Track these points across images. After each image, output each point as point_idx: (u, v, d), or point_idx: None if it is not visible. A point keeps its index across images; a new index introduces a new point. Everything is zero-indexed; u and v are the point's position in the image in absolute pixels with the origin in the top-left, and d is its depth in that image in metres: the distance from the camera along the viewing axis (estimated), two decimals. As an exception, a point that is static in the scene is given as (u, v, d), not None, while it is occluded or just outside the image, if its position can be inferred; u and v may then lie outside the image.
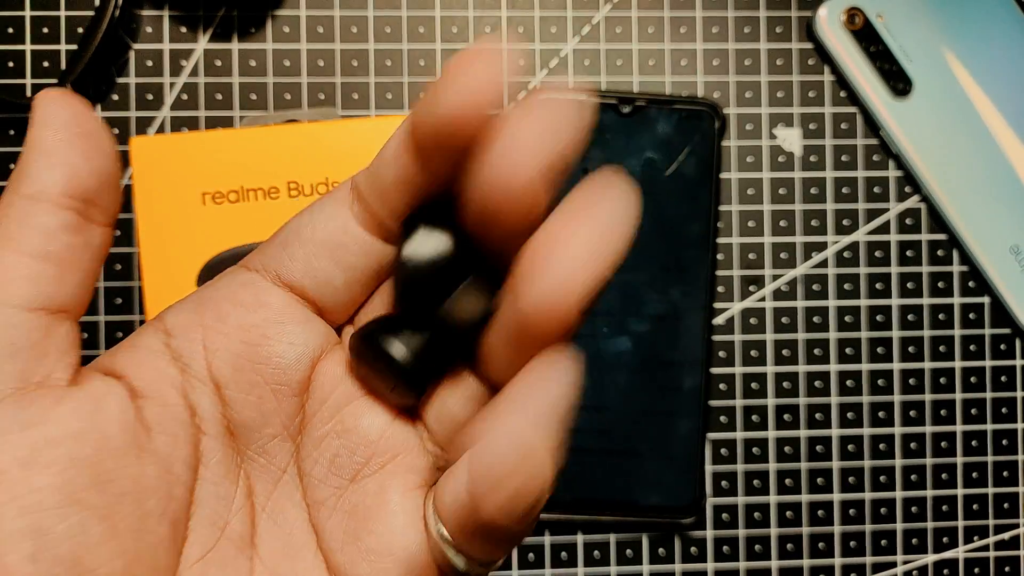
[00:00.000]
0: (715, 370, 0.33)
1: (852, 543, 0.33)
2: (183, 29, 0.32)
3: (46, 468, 0.13)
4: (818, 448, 0.33)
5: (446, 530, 0.15)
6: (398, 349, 0.15)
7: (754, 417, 0.33)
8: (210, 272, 0.30)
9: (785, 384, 0.33)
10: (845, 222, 0.34)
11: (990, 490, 0.34)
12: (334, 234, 0.16)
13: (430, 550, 0.16)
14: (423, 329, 0.15)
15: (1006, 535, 0.34)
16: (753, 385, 0.33)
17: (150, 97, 0.32)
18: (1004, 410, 0.34)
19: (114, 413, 0.15)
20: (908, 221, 0.34)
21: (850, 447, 0.33)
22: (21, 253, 0.15)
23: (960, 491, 0.34)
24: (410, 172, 0.15)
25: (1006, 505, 0.34)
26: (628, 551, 0.33)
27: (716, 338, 0.33)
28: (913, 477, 0.33)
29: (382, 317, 0.16)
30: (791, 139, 0.34)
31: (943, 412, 0.34)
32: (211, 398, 0.16)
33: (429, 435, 0.17)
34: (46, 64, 0.32)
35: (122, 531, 0.14)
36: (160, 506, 0.14)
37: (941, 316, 0.34)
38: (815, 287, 0.34)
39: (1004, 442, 0.34)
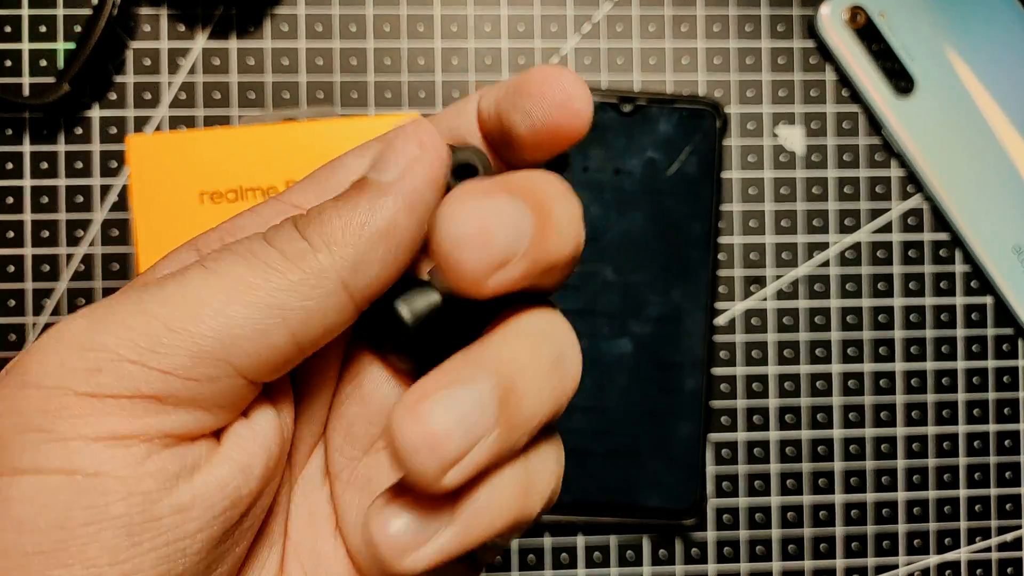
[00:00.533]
0: (716, 371, 0.33)
1: (854, 544, 0.33)
2: (181, 27, 0.32)
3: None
4: (820, 449, 0.33)
5: None
6: (402, 308, 0.15)
7: (756, 418, 0.33)
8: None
9: (787, 385, 0.33)
10: (847, 222, 0.34)
11: (992, 491, 0.33)
12: None
13: None
14: (432, 295, 0.15)
15: (1008, 536, 0.33)
16: (755, 386, 0.33)
17: (148, 96, 0.32)
18: (1007, 411, 0.34)
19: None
20: (911, 221, 0.34)
21: (852, 448, 0.33)
22: None
23: (962, 492, 0.33)
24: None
25: (1009, 506, 0.34)
26: (629, 553, 0.33)
27: (717, 338, 0.33)
28: (915, 478, 0.33)
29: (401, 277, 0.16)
30: (793, 138, 0.33)
31: (945, 413, 0.34)
32: None
33: None
34: (44, 63, 0.32)
35: None
36: None
37: (944, 316, 0.34)
38: (817, 287, 0.33)
39: (1007, 443, 0.34)
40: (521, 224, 0.13)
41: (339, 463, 0.16)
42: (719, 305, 0.33)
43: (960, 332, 0.34)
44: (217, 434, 0.14)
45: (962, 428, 0.34)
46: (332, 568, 0.16)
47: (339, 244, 0.14)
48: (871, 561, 0.33)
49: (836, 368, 0.33)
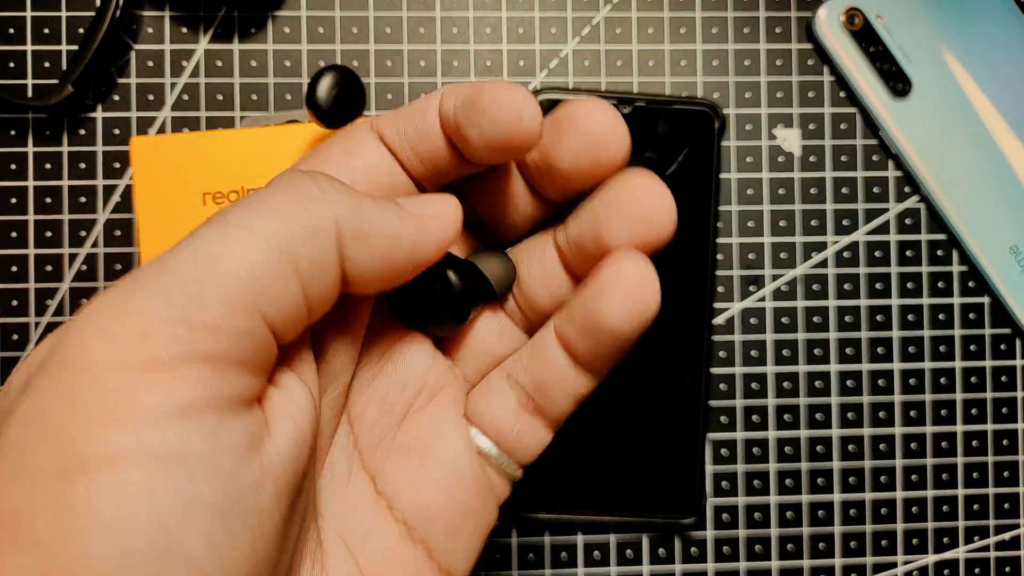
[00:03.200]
0: (715, 370, 0.33)
1: (852, 543, 0.33)
2: (184, 30, 0.32)
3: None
4: (818, 448, 0.33)
5: (491, 441, 0.18)
6: (453, 277, 0.17)
7: (754, 417, 0.33)
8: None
9: (785, 384, 0.33)
10: (845, 222, 0.34)
11: (991, 490, 0.34)
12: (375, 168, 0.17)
13: (483, 468, 0.18)
14: (461, 270, 0.18)
15: (1007, 535, 0.34)
16: (753, 385, 0.33)
17: (151, 97, 0.32)
18: (1004, 410, 0.34)
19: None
20: (908, 221, 0.34)
21: (850, 447, 0.33)
22: None
23: (960, 491, 0.34)
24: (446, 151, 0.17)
25: (1007, 505, 0.34)
26: (628, 551, 0.33)
27: (716, 338, 0.33)
28: (914, 477, 0.33)
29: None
30: (790, 139, 0.34)
31: (943, 412, 0.34)
32: None
33: (460, 371, 0.19)
34: (47, 65, 0.32)
35: None
36: None
37: (941, 316, 0.34)
38: (815, 287, 0.34)
39: (1005, 442, 0.34)
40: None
41: (375, 435, 0.17)
42: (717, 305, 0.33)
43: (957, 332, 0.34)
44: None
45: (960, 428, 0.34)
46: (383, 537, 0.16)
47: (342, 204, 0.15)
48: (869, 560, 0.33)
49: (834, 368, 0.34)
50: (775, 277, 0.34)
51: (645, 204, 0.16)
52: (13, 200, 0.32)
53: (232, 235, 0.13)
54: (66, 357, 0.12)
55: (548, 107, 0.32)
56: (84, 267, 0.32)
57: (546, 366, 0.17)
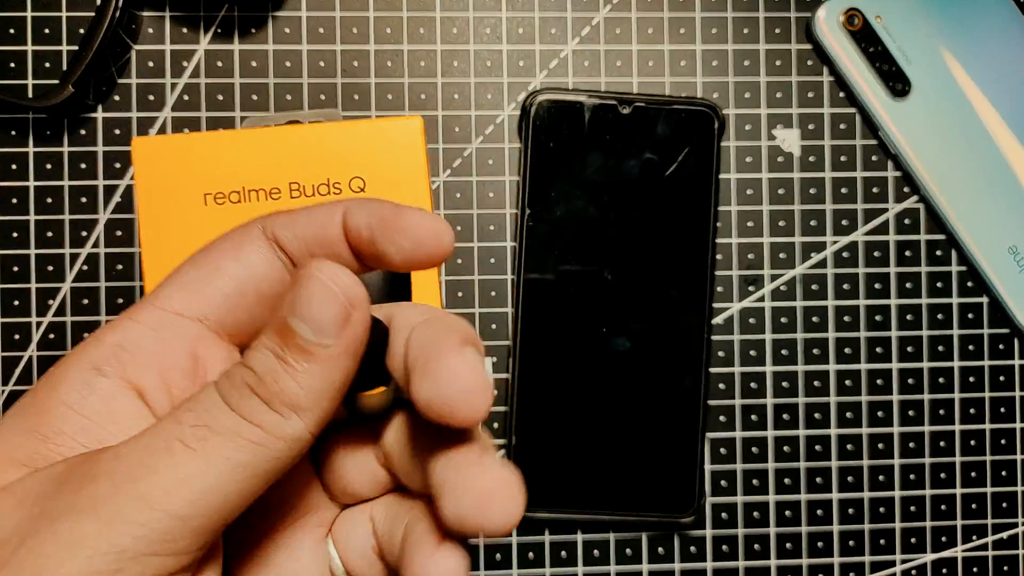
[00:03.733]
0: (714, 370, 0.33)
1: (851, 542, 0.33)
2: (184, 30, 0.32)
3: None
4: (817, 447, 0.33)
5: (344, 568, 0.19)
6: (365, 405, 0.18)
7: (753, 416, 0.33)
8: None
9: (784, 384, 0.33)
10: (844, 222, 0.34)
11: (988, 489, 0.34)
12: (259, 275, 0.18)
13: None
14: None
15: (1004, 534, 0.34)
16: (752, 385, 0.33)
17: (151, 98, 0.32)
18: (1002, 410, 0.34)
19: None
20: (906, 221, 0.34)
21: (849, 446, 0.33)
22: None
23: (958, 490, 0.34)
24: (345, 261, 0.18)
25: (1004, 504, 0.34)
26: (627, 550, 0.33)
27: (715, 338, 0.33)
28: (912, 476, 0.34)
29: None
30: (790, 140, 0.34)
31: (941, 412, 0.34)
32: None
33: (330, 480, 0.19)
34: (47, 65, 0.32)
35: None
36: None
37: (939, 316, 0.34)
38: (814, 287, 0.34)
39: (1002, 441, 0.34)
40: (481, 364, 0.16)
41: (232, 554, 0.18)
42: (717, 305, 0.33)
43: (956, 332, 0.34)
44: None
45: (958, 427, 0.34)
46: None
47: (305, 409, 0.16)
48: (867, 559, 0.33)
49: (832, 367, 0.34)
50: (774, 277, 0.34)
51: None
52: (14, 200, 0.32)
53: (211, 468, 0.15)
54: (43, 568, 0.14)
55: (549, 107, 0.33)
56: (85, 267, 0.32)
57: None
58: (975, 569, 0.33)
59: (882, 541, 0.33)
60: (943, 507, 0.34)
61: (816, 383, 0.34)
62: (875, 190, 0.34)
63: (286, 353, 0.16)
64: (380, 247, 0.17)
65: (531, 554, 0.33)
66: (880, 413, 0.34)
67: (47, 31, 0.32)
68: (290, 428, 0.15)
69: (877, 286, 0.34)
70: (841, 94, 0.34)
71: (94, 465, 0.15)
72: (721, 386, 0.33)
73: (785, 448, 0.33)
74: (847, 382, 0.34)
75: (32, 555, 0.14)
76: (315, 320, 0.15)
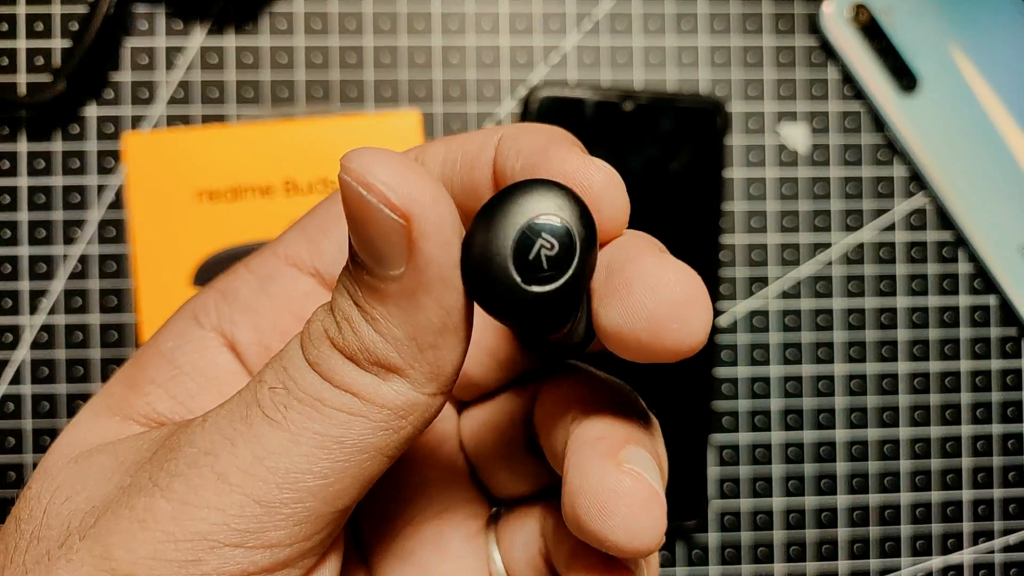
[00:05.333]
0: (719, 372, 0.33)
1: (857, 547, 0.33)
2: (178, 25, 0.32)
3: None
4: (823, 451, 0.33)
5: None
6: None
7: (758, 419, 0.33)
8: (205, 272, 0.29)
9: (789, 386, 0.33)
10: (850, 221, 0.33)
11: (996, 492, 0.33)
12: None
13: None
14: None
15: (1012, 538, 0.33)
16: (757, 387, 0.33)
17: (144, 94, 0.32)
18: (1011, 412, 0.33)
19: None
20: (914, 220, 0.34)
21: (855, 450, 0.33)
22: None
23: (966, 493, 0.33)
24: None
25: (1012, 507, 0.33)
26: (630, 554, 0.32)
27: (720, 339, 0.33)
28: (919, 479, 0.33)
29: None
30: (796, 136, 0.33)
31: (949, 414, 0.33)
32: None
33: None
34: (40, 61, 0.32)
35: None
36: None
37: (947, 317, 0.33)
38: (820, 287, 0.33)
39: (1011, 444, 0.33)
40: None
41: (375, 541, 0.16)
42: (721, 305, 0.33)
43: (964, 333, 0.33)
44: None
45: (965, 429, 0.33)
46: None
47: (401, 368, 0.12)
48: (874, 563, 0.33)
49: (839, 369, 0.33)
50: (780, 277, 0.33)
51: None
52: (6, 199, 0.32)
53: (298, 447, 0.12)
54: (110, 556, 0.12)
55: (549, 105, 0.32)
56: (78, 267, 0.32)
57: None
58: (982, 572, 0.33)
59: (889, 545, 0.33)
60: (950, 511, 0.33)
61: (822, 385, 0.33)
62: (882, 188, 0.33)
63: (359, 293, 0.12)
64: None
65: (531, 558, 0.32)
66: (887, 415, 0.33)
67: (39, 26, 0.32)
68: (391, 391, 0.12)
69: (884, 286, 0.33)
70: (848, 90, 0.33)
71: (182, 435, 0.12)
72: (726, 388, 0.33)
73: (791, 451, 0.33)
74: (853, 384, 0.33)
75: (106, 531, 0.12)
76: (366, 245, 0.11)
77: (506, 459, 0.16)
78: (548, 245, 0.11)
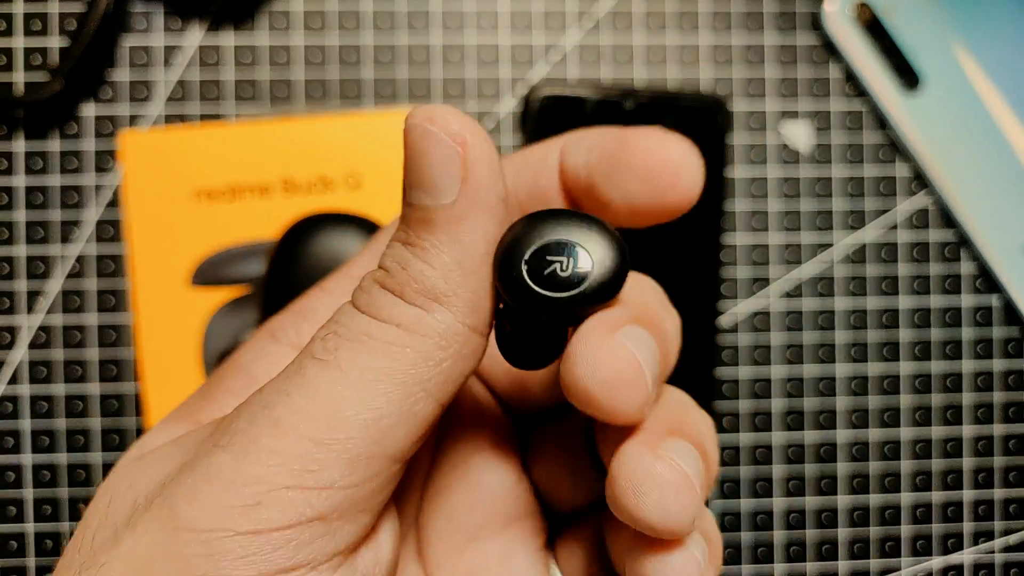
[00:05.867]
0: (720, 372, 0.33)
1: (857, 547, 0.33)
2: (176, 23, 0.32)
3: None
4: (823, 452, 0.33)
5: None
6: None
7: (759, 420, 0.33)
8: (203, 272, 0.29)
9: (791, 387, 0.33)
10: (852, 221, 0.33)
11: (997, 493, 0.33)
12: None
13: None
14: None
15: (1012, 538, 0.33)
16: (758, 388, 0.33)
17: (142, 93, 0.32)
18: (1012, 412, 0.33)
19: None
20: (916, 220, 0.33)
21: (856, 450, 0.33)
22: None
23: (966, 494, 0.33)
24: None
25: (1013, 508, 0.33)
26: (630, 555, 0.32)
27: (721, 340, 0.33)
28: (919, 480, 0.33)
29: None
30: (797, 135, 0.33)
31: (950, 415, 0.33)
32: None
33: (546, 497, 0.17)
34: (37, 59, 0.32)
35: None
36: None
37: (949, 317, 0.33)
38: (821, 287, 0.33)
39: (1012, 444, 0.33)
40: (653, 354, 0.13)
41: (440, 551, 0.16)
42: (722, 305, 0.33)
43: (966, 333, 0.33)
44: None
45: (967, 430, 0.33)
46: None
47: (446, 294, 0.13)
48: (874, 563, 0.33)
49: (840, 369, 0.33)
50: (781, 277, 0.33)
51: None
52: (3, 198, 0.31)
53: (347, 380, 0.12)
54: (175, 515, 0.12)
55: (550, 104, 0.32)
56: (76, 267, 0.31)
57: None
58: (983, 573, 0.33)
59: (889, 545, 0.33)
60: (951, 511, 0.33)
61: (823, 386, 0.33)
62: (884, 187, 0.33)
63: (410, 234, 0.13)
64: (601, 193, 0.14)
65: (531, 559, 0.32)
66: (888, 416, 0.33)
67: (36, 25, 0.32)
68: (434, 321, 0.13)
69: (886, 286, 0.33)
70: (850, 88, 0.33)
71: (242, 404, 0.13)
72: (727, 389, 0.33)
73: (791, 452, 0.33)
74: (855, 385, 0.33)
75: (170, 496, 0.12)
76: (422, 178, 0.12)
77: (570, 473, 0.16)
78: (563, 264, 0.13)
